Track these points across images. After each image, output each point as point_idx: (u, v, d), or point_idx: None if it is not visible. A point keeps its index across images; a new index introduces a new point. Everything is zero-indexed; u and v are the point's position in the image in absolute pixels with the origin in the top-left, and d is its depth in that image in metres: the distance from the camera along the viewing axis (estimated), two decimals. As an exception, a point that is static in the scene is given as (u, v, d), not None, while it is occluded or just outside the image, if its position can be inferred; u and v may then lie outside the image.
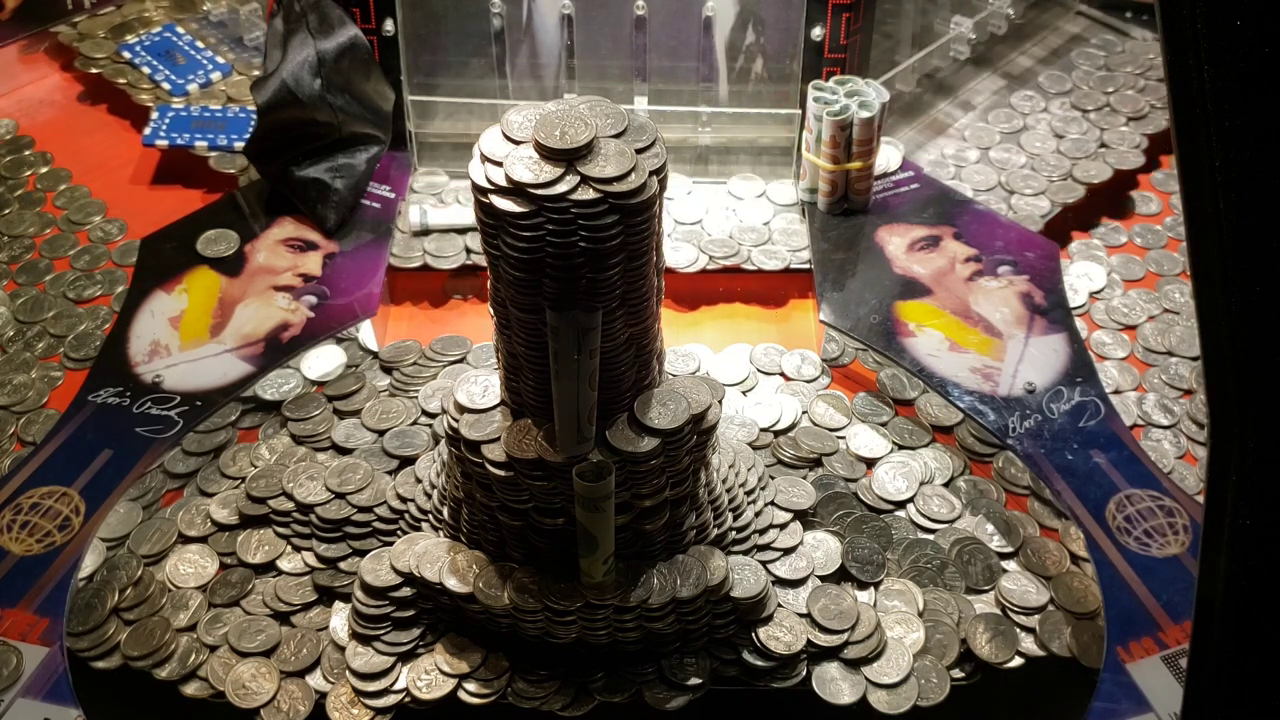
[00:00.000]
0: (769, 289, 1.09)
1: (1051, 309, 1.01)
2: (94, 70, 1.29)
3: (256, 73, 1.27)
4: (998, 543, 0.90)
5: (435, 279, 1.09)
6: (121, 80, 1.27)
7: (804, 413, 0.98)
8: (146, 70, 1.28)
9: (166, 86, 1.26)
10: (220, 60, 1.29)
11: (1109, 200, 1.18)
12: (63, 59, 1.33)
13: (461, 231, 1.09)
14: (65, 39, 1.32)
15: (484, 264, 0.99)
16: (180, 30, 1.33)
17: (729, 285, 1.09)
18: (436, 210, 1.11)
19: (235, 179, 1.15)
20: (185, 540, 0.89)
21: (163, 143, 1.18)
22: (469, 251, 1.08)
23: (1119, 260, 1.12)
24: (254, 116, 1.08)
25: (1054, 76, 1.31)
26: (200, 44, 1.30)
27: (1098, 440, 0.91)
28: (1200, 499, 0.86)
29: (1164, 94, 1.09)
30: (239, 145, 1.16)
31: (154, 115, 1.20)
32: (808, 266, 1.06)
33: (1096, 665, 0.80)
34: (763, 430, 0.96)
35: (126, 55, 1.29)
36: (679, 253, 1.07)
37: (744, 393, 1.00)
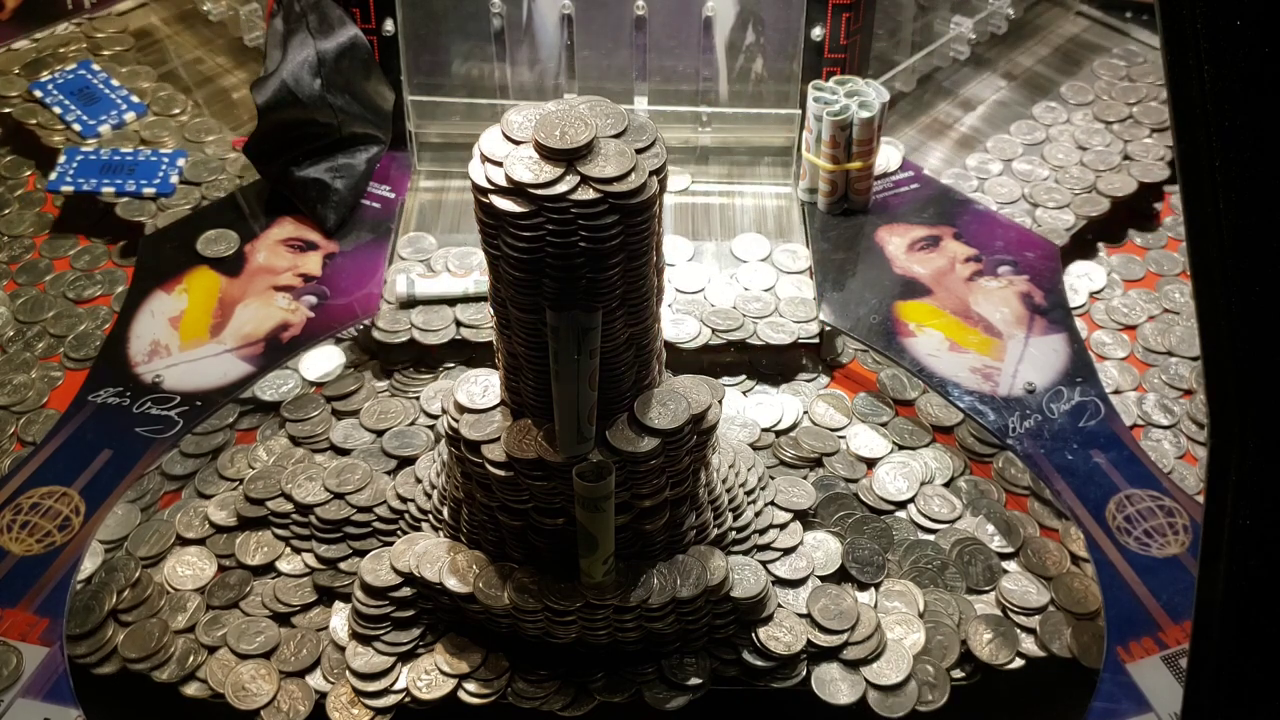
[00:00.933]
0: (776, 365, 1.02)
1: (1051, 309, 1.01)
2: (6, 110, 1.22)
3: (177, 110, 1.22)
4: (998, 543, 0.90)
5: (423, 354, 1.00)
6: (33, 120, 1.21)
7: (804, 413, 0.98)
8: (58, 110, 1.21)
9: (78, 128, 1.19)
10: (135, 99, 1.22)
11: (1133, 213, 1.16)
12: None
13: (452, 303, 1.01)
14: None
15: (477, 339, 0.99)
16: (96, 67, 1.25)
17: (734, 360, 1.02)
18: (424, 280, 1.02)
19: (142, 227, 1.08)
20: (183, 542, 0.89)
21: (68, 188, 1.11)
22: (459, 325, 1.00)
23: (1119, 260, 1.12)
24: (166, 160, 1.07)
25: (1076, 87, 1.28)
26: (115, 81, 1.23)
27: (1098, 440, 0.91)
28: (1200, 499, 0.86)
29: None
30: (148, 191, 1.11)
31: (61, 159, 1.14)
32: (817, 340, 1.00)
33: (1096, 665, 0.80)
34: (763, 430, 0.96)
35: (38, 94, 1.22)
36: (680, 326, 0.99)
37: (744, 393, 1.00)
